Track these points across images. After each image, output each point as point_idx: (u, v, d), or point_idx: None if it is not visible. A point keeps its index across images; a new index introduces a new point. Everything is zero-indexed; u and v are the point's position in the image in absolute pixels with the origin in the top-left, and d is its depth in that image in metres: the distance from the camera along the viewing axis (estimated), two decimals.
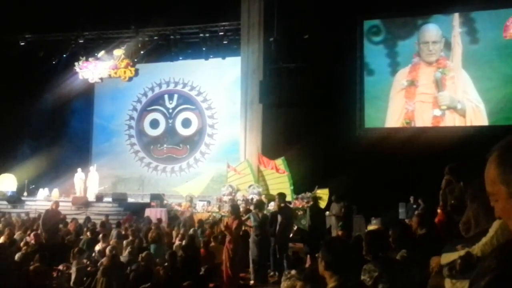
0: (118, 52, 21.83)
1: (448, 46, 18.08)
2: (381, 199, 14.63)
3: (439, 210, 8.32)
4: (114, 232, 12.22)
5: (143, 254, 8.64)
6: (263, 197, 15.81)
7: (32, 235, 11.35)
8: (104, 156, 23.60)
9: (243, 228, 10.38)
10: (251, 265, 10.33)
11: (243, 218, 10.51)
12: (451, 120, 17.94)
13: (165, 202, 18.27)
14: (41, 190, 20.74)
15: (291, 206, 15.08)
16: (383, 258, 4.43)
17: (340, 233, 10.14)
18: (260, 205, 11.28)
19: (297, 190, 17.05)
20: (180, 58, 22.50)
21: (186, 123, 23.26)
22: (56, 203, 13.26)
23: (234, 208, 10.63)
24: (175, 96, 23.64)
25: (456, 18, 17.99)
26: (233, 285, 9.35)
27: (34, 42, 22.50)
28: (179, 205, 17.71)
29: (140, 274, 8.08)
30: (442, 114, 18.00)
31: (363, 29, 19.16)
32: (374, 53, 19.13)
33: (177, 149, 23.23)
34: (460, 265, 3.74)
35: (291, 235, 12.58)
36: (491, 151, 1.52)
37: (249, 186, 17.49)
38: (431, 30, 18.38)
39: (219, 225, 15.11)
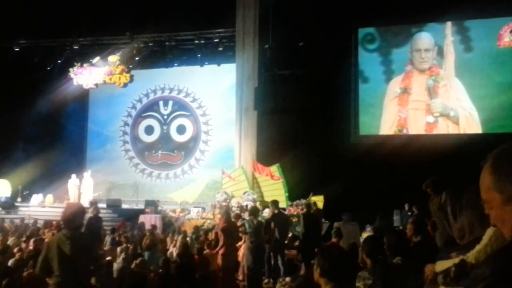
0: (113, 58, 21.82)
1: (441, 54, 18.16)
2: (376, 206, 14.63)
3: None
4: (108, 239, 12.18)
5: (137, 261, 8.61)
6: (257, 204, 15.80)
7: (31, 241, 11.26)
8: (98, 162, 23.54)
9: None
10: (245, 272, 10.31)
11: (238, 224, 10.54)
12: (444, 127, 17.99)
13: (159, 208, 18.24)
14: (34, 195, 20.64)
15: (286, 213, 15.08)
16: (382, 262, 4.43)
17: (335, 240, 10.17)
18: (254, 212, 11.26)
19: (292, 197, 17.05)
20: (175, 64, 22.51)
21: (181, 129, 23.24)
22: (97, 209, 13.03)
23: (224, 210, 10.79)
24: (170, 102, 23.63)
25: (448, 26, 18.08)
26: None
27: (29, 47, 22.45)
28: (174, 211, 17.69)
29: (134, 281, 8.04)
30: (435, 121, 18.06)
31: (358, 37, 19.22)
32: (368, 60, 19.19)
33: (172, 156, 23.20)
34: (455, 272, 3.74)
35: (286, 241, 12.57)
36: (486, 159, 1.54)
37: (244, 193, 17.47)
38: (424, 38, 18.47)
39: (213, 231, 15.11)
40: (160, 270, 8.70)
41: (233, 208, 15.44)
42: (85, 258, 5.33)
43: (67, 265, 5.12)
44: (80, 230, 5.58)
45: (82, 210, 5.69)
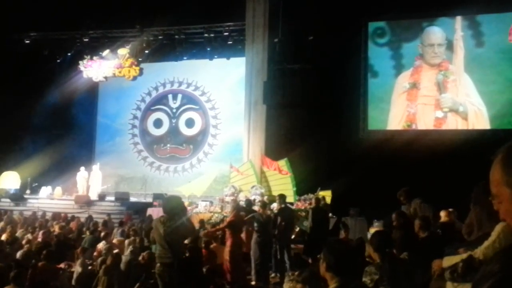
0: (123, 51, 21.86)
1: (450, 49, 18.03)
2: (384, 202, 14.58)
3: (442, 213, 8.34)
4: (117, 231, 12.24)
5: (145, 254, 8.66)
6: (265, 198, 15.80)
7: (40, 233, 11.35)
8: (107, 155, 23.63)
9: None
10: (252, 266, 10.34)
11: (245, 218, 10.57)
12: (453, 123, 17.89)
13: None
14: (43, 188, 20.76)
15: (294, 207, 15.08)
16: (390, 257, 4.41)
17: (344, 233, 10.22)
18: (265, 205, 11.32)
19: (299, 192, 17.03)
20: (185, 58, 22.49)
21: (190, 123, 23.27)
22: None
23: (235, 203, 11.04)
24: (179, 96, 23.65)
25: (458, 21, 17.94)
26: (237, 285, 9.40)
27: (39, 40, 22.54)
28: None
29: (140, 273, 8.08)
30: (444, 116, 17.95)
31: (368, 31, 19.11)
32: (378, 55, 19.08)
33: (180, 149, 23.24)
34: (462, 268, 3.72)
35: (293, 236, 12.58)
36: (496, 153, 1.52)
37: (252, 187, 17.47)
38: (437, 33, 18.31)
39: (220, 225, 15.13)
40: None
41: (241, 202, 15.44)
42: (177, 237, 6.94)
43: (163, 242, 6.85)
44: (175, 217, 6.99)
45: (179, 202, 7.41)
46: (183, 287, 7.15)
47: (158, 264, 7.02)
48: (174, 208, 7.11)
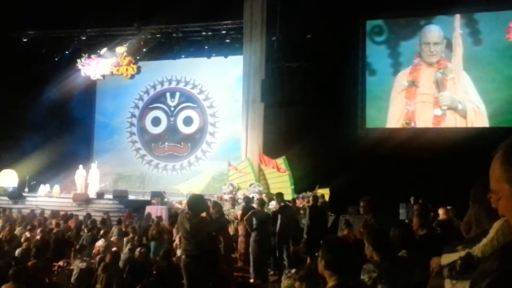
0: (121, 49, 21.84)
1: (449, 47, 18.04)
2: (382, 199, 14.57)
3: (440, 211, 8.36)
4: (114, 229, 12.23)
5: (140, 251, 8.69)
6: (263, 196, 15.78)
7: (39, 231, 11.34)
8: (105, 153, 23.61)
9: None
10: (251, 263, 10.34)
11: (244, 217, 10.59)
12: (452, 121, 17.91)
13: (165, 200, 18.26)
14: (42, 186, 20.77)
15: (291, 205, 15.06)
16: (389, 254, 4.40)
17: (346, 231, 10.22)
18: (262, 203, 11.31)
19: (297, 190, 17.03)
20: (183, 56, 22.51)
21: (188, 121, 23.25)
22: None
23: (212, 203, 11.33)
24: (177, 94, 23.63)
25: (457, 19, 17.95)
26: (230, 279, 9.44)
27: (37, 38, 22.50)
28: (180, 203, 17.71)
29: (139, 271, 8.09)
30: (442, 113, 17.98)
31: (366, 29, 19.11)
32: (376, 53, 19.09)
33: (179, 147, 23.23)
34: (461, 266, 3.72)
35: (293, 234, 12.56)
36: (497, 149, 1.52)
37: (250, 185, 17.47)
38: (433, 31, 18.34)
39: None
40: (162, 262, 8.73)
41: (239, 201, 15.44)
42: (201, 232, 7.33)
43: (187, 237, 7.33)
44: (199, 213, 7.46)
45: (202, 200, 7.84)
46: (207, 276, 7.42)
47: (184, 256, 7.47)
48: (198, 206, 7.57)
